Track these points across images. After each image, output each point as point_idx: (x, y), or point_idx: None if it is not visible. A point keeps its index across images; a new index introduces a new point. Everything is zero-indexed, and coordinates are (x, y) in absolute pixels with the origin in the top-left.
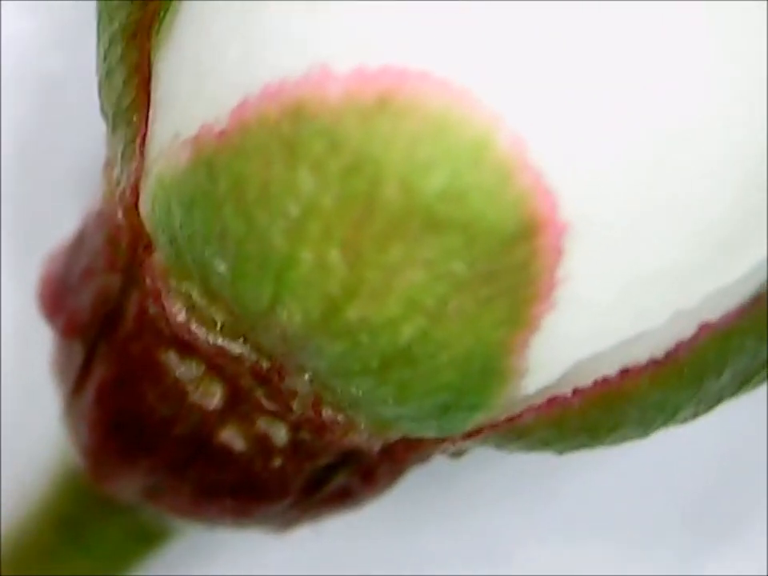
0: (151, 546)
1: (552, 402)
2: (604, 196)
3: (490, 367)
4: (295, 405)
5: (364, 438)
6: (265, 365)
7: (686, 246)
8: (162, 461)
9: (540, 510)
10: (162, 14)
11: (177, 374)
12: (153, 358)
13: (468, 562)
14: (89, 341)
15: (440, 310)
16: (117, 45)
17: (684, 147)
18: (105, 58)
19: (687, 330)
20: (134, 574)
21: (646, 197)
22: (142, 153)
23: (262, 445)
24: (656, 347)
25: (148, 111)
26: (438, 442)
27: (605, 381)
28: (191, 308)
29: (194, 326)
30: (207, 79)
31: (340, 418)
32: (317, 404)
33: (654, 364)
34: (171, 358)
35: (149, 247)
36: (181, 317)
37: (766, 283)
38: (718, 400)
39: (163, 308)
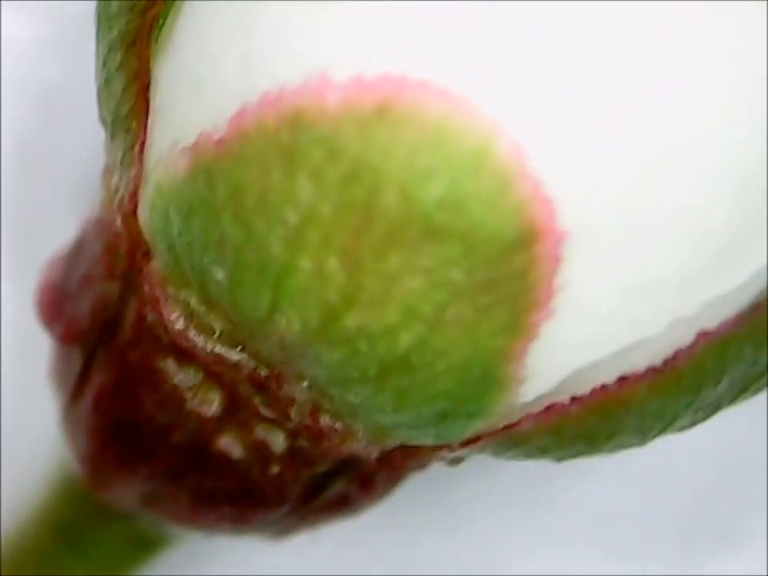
0: (149, 553)
1: (550, 409)
2: (602, 204)
3: (488, 375)
4: (293, 412)
5: (362, 445)
6: (263, 372)
7: (685, 253)
8: (160, 468)
9: (538, 517)
10: (161, 21)
11: (175, 381)
12: (151, 365)
13: (466, 569)
14: (87, 348)
15: (438, 318)
16: (116, 52)
17: (683, 152)
18: (104, 65)
19: (685, 338)
20: None
21: (644, 204)
22: (140, 160)
23: (260, 452)
24: (654, 355)
25: (147, 118)
26: (436, 449)
27: (603, 388)
28: (189, 315)
29: (192, 334)
30: (206, 87)
31: (338, 425)
32: (315, 411)
33: (653, 372)
34: (169, 365)
35: (147, 254)
36: (179, 324)
37: (764, 291)
38: (716, 408)
39: (161, 315)
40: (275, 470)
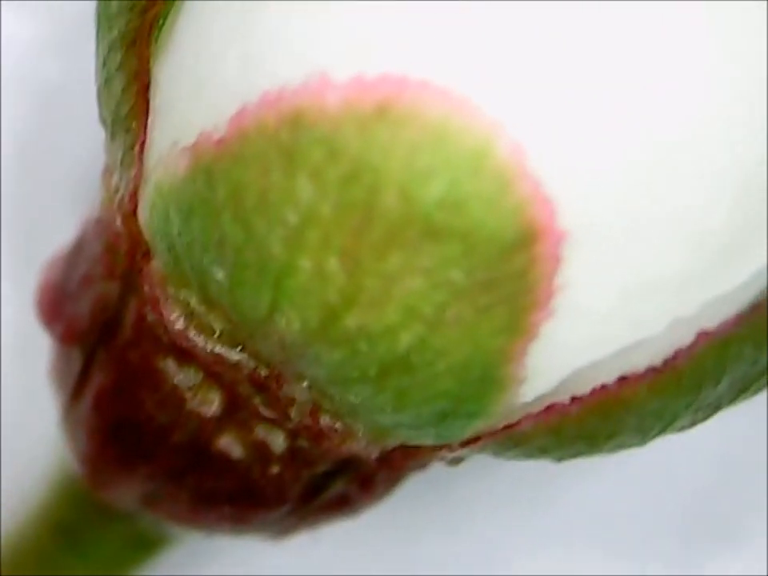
0: (149, 553)
1: (550, 409)
2: (602, 204)
3: (488, 375)
4: (293, 412)
5: (362, 445)
6: (263, 372)
7: (685, 253)
8: (160, 468)
9: (538, 517)
10: (161, 21)
11: (175, 381)
12: (151, 365)
13: (466, 569)
14: (87, 348)
15: (438, 318)
16: (116, 52)
17: (683, 152)
18: (104, 65)
19: (685, 338)
20: None
21: (644, 204)
22: (140, 160)
23: (260, 452)
24: (654, 355)
25: (147, 118)
26: (436, 449)
27: (603, 388)
28: (189, 315)
29: (192, 334)
30: (206, 87)
31: (338, 425)
32: (315, 411)
33: (653, 372)
34: (169, 365)
35: (147, 254)
36: (179, 324)
37: (765, 291)
38: (716, 408)
39: (161, 315)
40: (275, 470)
